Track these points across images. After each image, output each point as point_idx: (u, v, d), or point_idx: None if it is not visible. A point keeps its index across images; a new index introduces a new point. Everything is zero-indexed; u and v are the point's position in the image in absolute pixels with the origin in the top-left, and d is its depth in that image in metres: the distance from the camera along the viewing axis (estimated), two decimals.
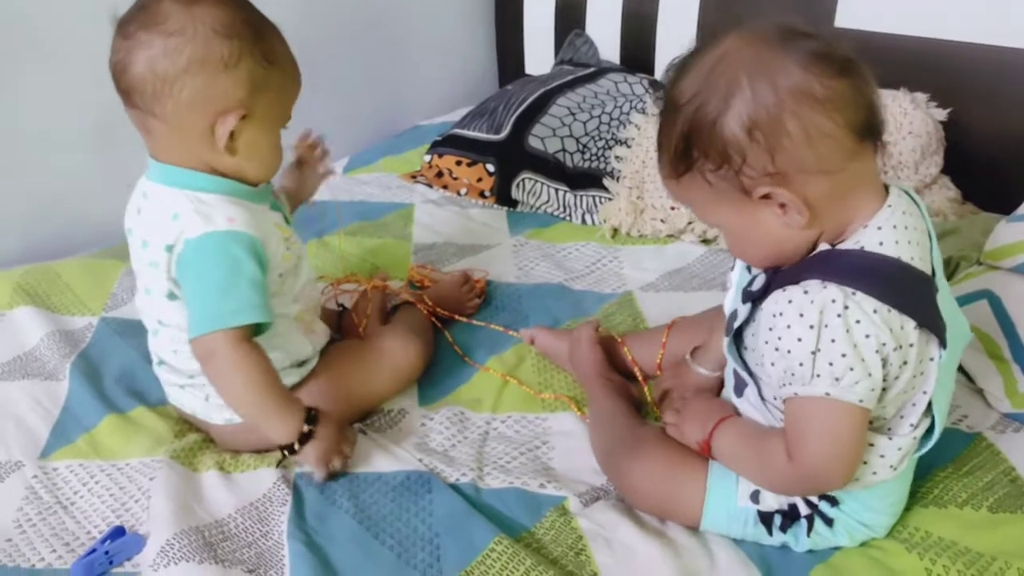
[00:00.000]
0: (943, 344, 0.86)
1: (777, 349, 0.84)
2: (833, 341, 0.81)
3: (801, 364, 0.82)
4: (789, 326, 0.82)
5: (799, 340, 0.82)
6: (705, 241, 1.65)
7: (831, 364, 0.81)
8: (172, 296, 1.06)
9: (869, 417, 0.86)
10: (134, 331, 1.35)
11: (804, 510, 0.96)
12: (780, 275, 0.87)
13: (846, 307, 0.80)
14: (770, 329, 0.85)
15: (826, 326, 0.81)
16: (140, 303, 1.13)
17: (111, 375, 1.29)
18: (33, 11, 1.58)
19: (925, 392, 0.88)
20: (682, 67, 0.86)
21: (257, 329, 1.03)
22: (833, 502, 0.95)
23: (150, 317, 1.13)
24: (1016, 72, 1.58)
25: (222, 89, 1.00)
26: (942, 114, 1.62)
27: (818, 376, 0.82)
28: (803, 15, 1.77)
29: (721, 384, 1.14)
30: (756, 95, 0.79)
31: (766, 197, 0.83)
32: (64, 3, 1.61)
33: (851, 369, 0.81)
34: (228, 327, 1.00)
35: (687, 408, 1.06)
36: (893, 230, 0.84)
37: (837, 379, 0.81)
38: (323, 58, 2.03)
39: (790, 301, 0.83)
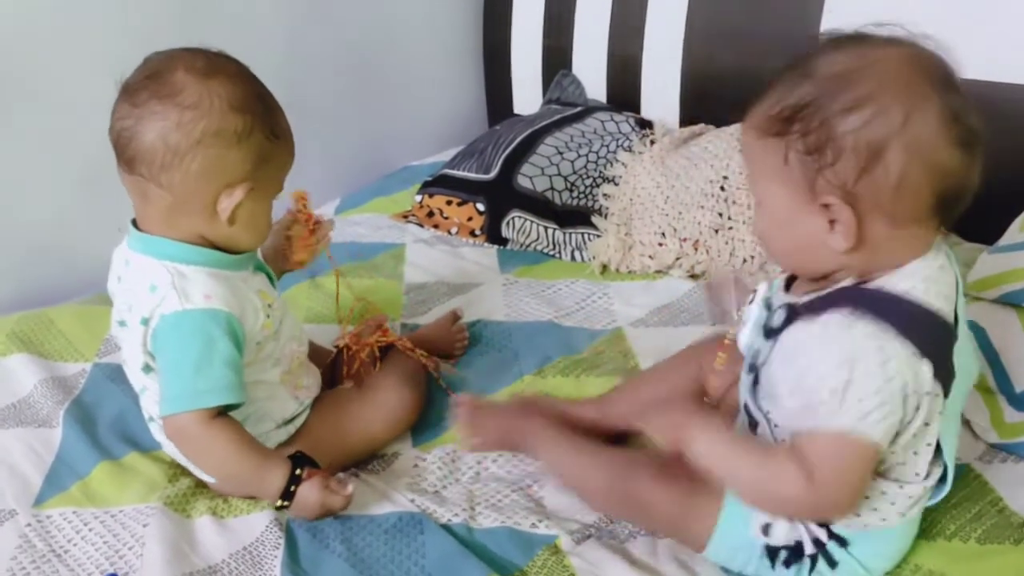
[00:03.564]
0: (946, 394, 0.85)
1: (799, 382, 0.82)
2: (866, 376, 0.79)
3: (830, 394, 0.80)
4: (818, 357, 0.81)
5: (830, 371, 0.80)
6: (693, 276, 1.66)
7: (860, 400, 0.79)
8: (147, 368, 1.06)
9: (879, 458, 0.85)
10: (126, 377, 1.35)
11: (809, 549, 0.94)
12: (803, 308, 0.86)
13: (880, 345, 0.79)
14: (793, 359, 0.83)
15: (859, 359, 0.79)
16: (124, 367, 1.13)
17: (104, 421, 1.29)
18: (23, 58, 1.60)
19: (929, 444, 0.88)
20: (841, 43, 0.83)
21: (229, 406, 1.02)
22: (843, 543, 0.93)
23: (134, 381, 1.13)
24: (994, 105, 1.60)
25: (231, 162, 1.00)
26: None
27: (844, 410, 0.80)
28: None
29: None
30: (887, 118, 0.78)
31: (826, 206, 0.81)
32: (55, 50, 1.63)
33: (882, 405, 0.79)
34: (198, 408, 0.99)
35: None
36: (922, 280, 0.83)
37: (866, 414, 0.79)
38: (313, 100, 2.06)
39: (820, 331, 0.82)
